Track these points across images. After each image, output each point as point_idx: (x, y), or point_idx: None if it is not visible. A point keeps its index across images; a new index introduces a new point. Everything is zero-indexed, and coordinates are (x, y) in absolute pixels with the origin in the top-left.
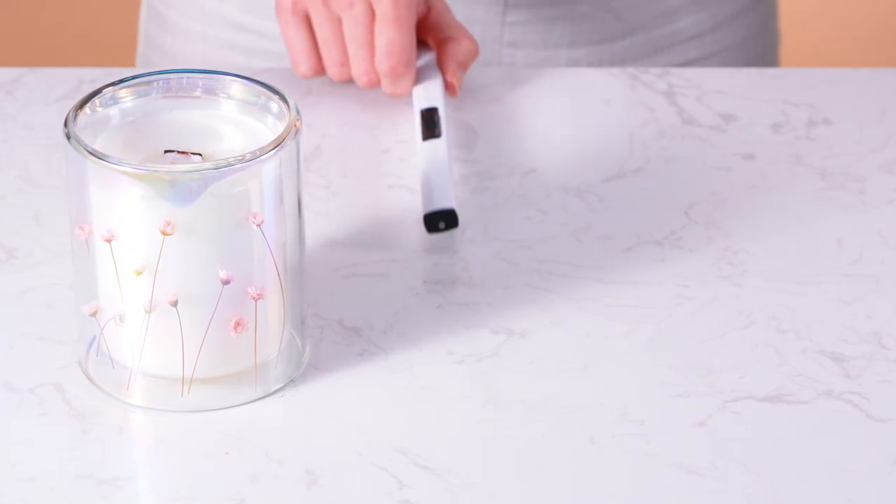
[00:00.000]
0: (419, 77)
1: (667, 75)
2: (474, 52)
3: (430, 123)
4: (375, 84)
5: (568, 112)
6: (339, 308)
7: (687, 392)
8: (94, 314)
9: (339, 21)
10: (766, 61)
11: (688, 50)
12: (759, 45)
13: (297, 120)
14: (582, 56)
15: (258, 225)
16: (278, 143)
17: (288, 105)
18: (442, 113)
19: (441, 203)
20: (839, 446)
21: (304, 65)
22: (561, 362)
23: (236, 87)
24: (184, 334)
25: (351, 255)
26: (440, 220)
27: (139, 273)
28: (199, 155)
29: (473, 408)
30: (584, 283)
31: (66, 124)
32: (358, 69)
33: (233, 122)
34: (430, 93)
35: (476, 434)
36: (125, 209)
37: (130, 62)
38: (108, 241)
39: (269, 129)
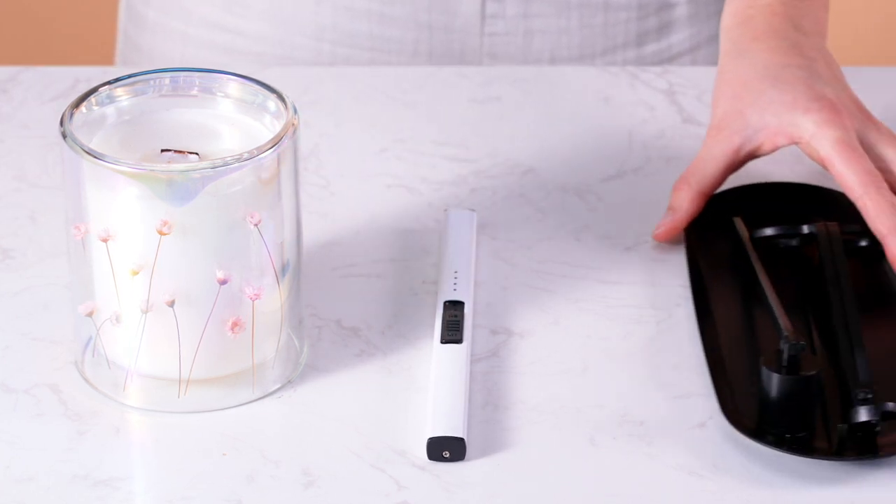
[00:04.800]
0: (452, 253)
1: (666, 74)
2: None
3: (452, 323)
4: None
5: (567, 111)
6: (337, 308)
7: (687, 393)
8: (90, 314)
9: None
10: None
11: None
12: None
13: (295, 119)
14: None
15: (255, 225)
16: (276, 143)
17: (285, 104)
18: (469, 308)
19: (447, 429)
20: None
21: None
22: (561, 363)
23: (234, 86)
24: (181, 335)
25: (349, 255)
26: (444, 449)
27: (136, 273)
28: (196, 154)
29: (473, 408)
30: (584, 283)
31: (61, 123)
32: None
33: (230, 121)
34: (461, 279)
35: (476, 434)
36: (122, 209)
37: None
38: (105, 240)
39: (267, 128)
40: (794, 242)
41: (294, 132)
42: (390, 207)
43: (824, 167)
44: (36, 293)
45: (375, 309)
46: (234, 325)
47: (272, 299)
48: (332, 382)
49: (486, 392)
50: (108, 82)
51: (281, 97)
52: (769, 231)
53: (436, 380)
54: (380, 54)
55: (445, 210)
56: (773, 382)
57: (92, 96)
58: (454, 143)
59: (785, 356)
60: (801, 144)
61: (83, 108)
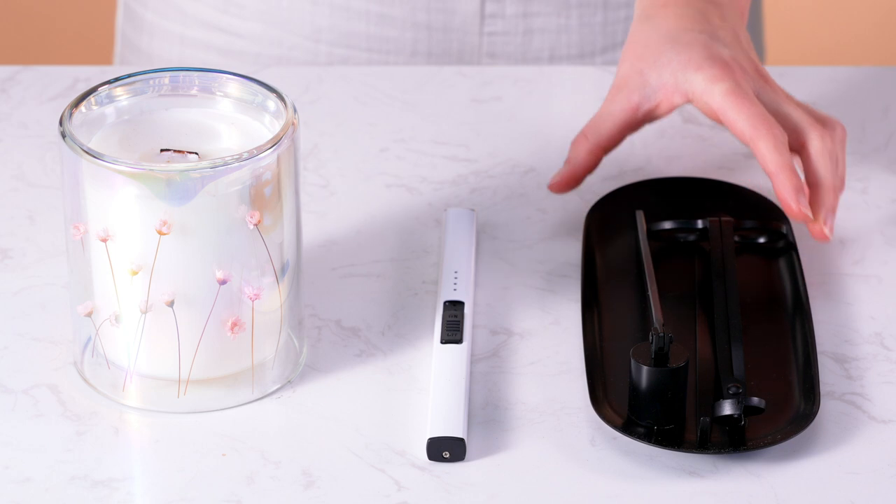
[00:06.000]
0: (452, 253)
1: None
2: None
3: (452, 323)
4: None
5: (568, 111)
6: (336, 308)
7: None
8: (89, 314)
9: None
10: None
11: None
12: None
13: (295, 118)
14: None
15: (255, 224)
16: (275, 142)
17: (285, 103)
18: (469, 308)
19: (447, 429)
20: (841, 447)
21: None
22: (561, 363)
23: (233, 86)
24: (180, 335)
25: (349, 255)
26: (444, 449)
27: (135, 273)
28: (196, 154)
29: (473, 408)
30: None
31: (60, 123)
32: None
33: (230, 121)
34: (461, 279)
35: (476, 434)
36: (121, 208)
37: None
38: (104, 240)
39: (267, 127)
40: (691, 237)
41: (294, 132)
42: (390, 207)
43: (718, 121)
44: (35, 293)
45: (375, 309)
46: (234, 325)
47: (272, 299)
48: (332, 382)
49: (486, 392)
50: (108, 82)
51: (280, 97)
52: (667, 225)
53: (436, 380)
54: (378, 55)
55: (445, 209)
56: (641, 374)
57: (91, 96)
58: (454, 143)
59: (653, 348)
60: (694, 101)
61: (82, 107)
